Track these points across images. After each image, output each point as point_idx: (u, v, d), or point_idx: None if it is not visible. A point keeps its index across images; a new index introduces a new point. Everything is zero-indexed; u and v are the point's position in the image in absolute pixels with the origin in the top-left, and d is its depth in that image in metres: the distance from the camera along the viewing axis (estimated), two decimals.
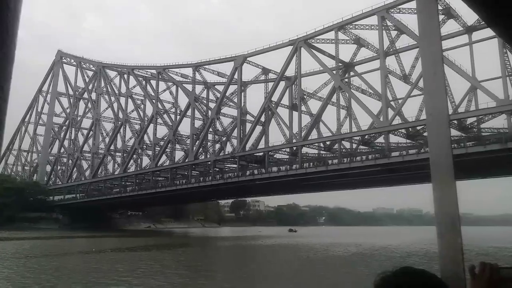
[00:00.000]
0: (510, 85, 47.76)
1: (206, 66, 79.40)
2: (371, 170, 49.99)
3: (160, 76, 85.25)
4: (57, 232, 79.48)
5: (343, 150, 62.12)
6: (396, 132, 53.64)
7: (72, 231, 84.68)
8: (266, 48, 66.90)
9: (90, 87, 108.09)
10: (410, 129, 53.89)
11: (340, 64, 71.06)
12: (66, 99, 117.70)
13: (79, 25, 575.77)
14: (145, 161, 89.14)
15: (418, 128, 53.83)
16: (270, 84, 76.81)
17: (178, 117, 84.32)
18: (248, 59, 71.55)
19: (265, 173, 60.10)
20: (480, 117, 48.39)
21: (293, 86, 72.26)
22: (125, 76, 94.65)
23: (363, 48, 66.33)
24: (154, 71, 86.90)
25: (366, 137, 56.70)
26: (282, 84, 72.78)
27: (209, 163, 71.12)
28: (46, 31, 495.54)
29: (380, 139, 56.52)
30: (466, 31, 55.22)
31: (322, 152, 66.81)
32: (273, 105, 70.61)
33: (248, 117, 77.24)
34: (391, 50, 61.25)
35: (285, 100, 74.09)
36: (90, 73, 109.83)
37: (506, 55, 44.11)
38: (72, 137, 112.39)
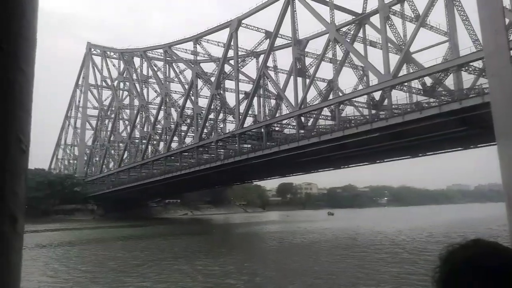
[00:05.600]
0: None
1: (210, 39, 72.25)
2: (371, 139, 39.69)
3: (167, 56, 79.72)
4: (87, 223, 78.58)
5: (354, 117, 51.79)
6: (404, 88, 42.30)
7: (104, 221, 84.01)
8: (259, 5, 57.79)
9: (119, 76, 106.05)
10: (425, 82, 42.12)
11: (353, 17, 60.05)
12: (103, 90, 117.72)
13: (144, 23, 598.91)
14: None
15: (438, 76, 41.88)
16: (278, 52, 67.90)
17: (198, 98, 78.37)
18: (246, 23, 63.02)
19: (258, 151, 51.94)
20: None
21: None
22: (152, 61, 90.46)
23: None
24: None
25: (371, 97, 45.87)
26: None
27: (213, 144, 64.27)
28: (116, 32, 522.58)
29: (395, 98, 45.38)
30: None
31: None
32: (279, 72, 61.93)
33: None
34: None
35: None
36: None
37: None
38: (109, 128, 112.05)
